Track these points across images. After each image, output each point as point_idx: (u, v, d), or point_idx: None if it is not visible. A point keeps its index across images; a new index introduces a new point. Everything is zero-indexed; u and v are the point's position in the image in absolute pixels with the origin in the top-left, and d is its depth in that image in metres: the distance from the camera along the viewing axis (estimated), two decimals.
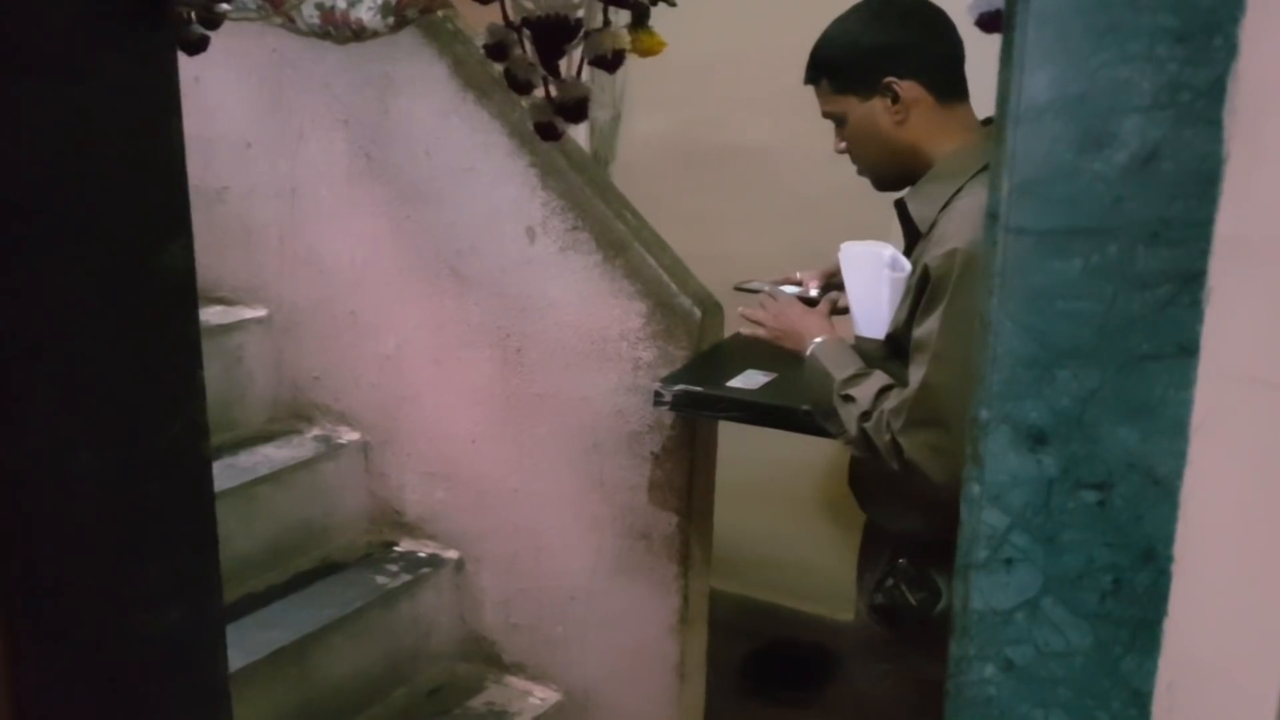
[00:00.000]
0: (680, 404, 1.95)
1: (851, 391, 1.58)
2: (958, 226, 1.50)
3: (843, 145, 1.69)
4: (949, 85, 1.62)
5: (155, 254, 1.02)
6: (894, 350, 1.63)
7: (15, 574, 0.94)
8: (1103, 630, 0.58)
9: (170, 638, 1.08)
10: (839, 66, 1.64)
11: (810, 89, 1.70)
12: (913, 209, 1.64)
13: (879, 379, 1.58)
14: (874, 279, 1.64)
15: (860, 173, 1.72)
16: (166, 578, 1.07)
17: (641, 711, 2.30)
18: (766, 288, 1.91)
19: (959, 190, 1.56)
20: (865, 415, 1.55)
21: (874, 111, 1.62)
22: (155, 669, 1.08)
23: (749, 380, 1.95)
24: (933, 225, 1.59)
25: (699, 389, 1.94)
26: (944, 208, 1.58)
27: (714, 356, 2.12)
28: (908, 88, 1.59)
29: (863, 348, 1.68)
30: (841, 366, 1.63)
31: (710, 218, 3.05)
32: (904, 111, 1.60)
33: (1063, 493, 0.58)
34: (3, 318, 0.89)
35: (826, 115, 1.69)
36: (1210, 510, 0.56)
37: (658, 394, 1.97)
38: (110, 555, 1.01)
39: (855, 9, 1.65)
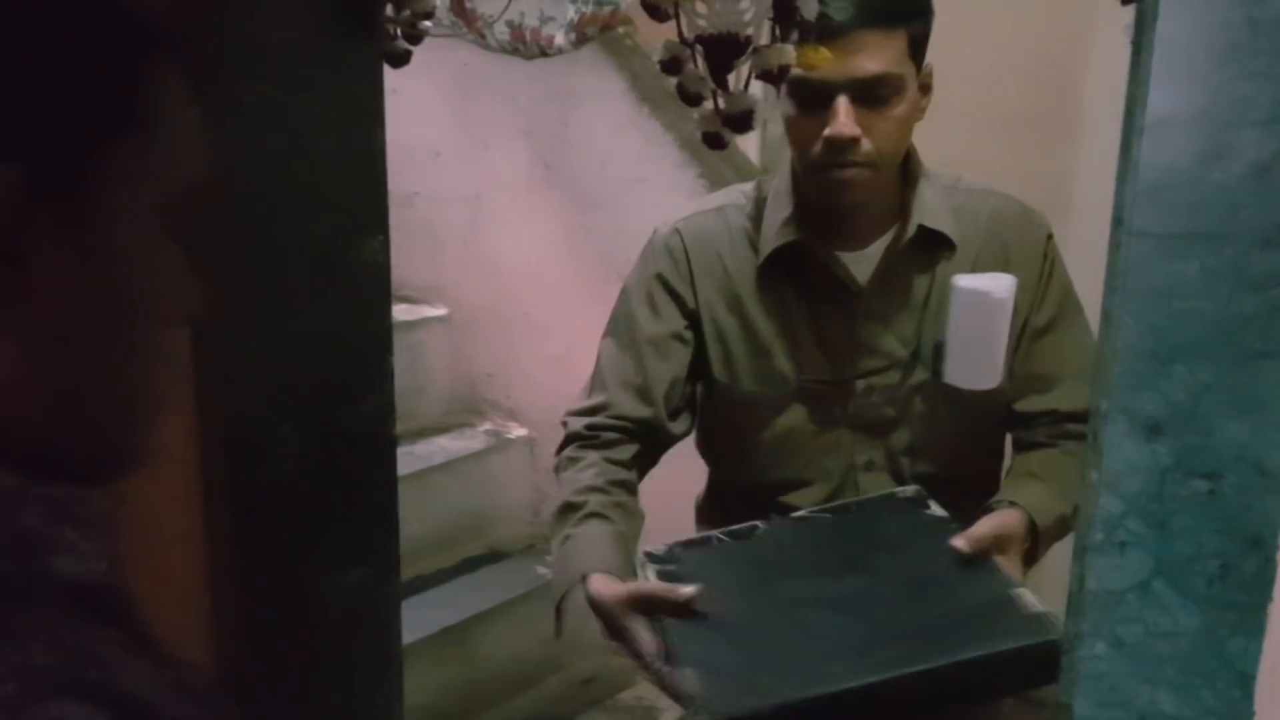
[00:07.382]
0: None
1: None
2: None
3: (858, 131, 1.27)
4: None
5: (357, 248, 1.10)
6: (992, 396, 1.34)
7: (225, 531, 1.02)
8: (1210, 613, 0.61)
9: (352, 601, 1.14)
10: (924, 33, 1.29)
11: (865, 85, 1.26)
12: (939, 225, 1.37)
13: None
14: (989, 316, 1.29)
15: (861, 170, 1.30)
16: (352, 544, 1.14)
17: None
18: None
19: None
20: None
21: (915, 95, 1.29)
22: (338, 630, 1.14)
23: None
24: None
25: None
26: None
27: None
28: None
29: (970, 398, 1.33)
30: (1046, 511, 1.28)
31: None
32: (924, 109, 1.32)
33: (1175, 481, 0.61)
34: (228, 298, 0.97)
35: (868, 79, 1.24)
36: None
37: None
38: (304, 519, 1.08)
39: None
